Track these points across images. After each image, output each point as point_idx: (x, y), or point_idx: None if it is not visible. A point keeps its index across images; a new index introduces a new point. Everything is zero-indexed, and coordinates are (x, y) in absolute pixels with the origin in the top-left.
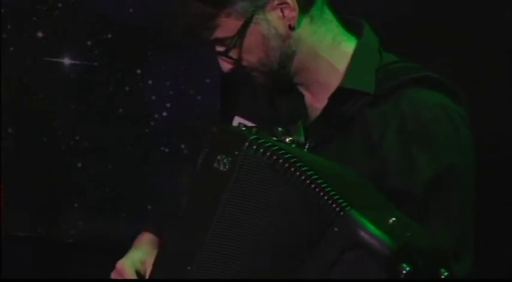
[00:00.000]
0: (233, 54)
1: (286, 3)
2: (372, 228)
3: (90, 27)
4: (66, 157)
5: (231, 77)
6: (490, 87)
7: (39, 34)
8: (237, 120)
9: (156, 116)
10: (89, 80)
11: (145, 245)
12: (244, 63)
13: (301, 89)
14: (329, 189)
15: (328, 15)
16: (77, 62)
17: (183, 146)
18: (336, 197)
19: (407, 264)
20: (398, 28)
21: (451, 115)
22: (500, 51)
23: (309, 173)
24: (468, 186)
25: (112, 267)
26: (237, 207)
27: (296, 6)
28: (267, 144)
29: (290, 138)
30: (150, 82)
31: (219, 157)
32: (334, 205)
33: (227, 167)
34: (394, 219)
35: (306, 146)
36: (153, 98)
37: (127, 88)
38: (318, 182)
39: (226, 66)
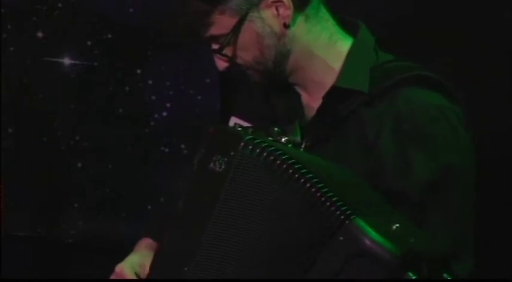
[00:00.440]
0: (228, 52)
1: (281, 1)
2: (376, 236)
3: (90, 27)
4: (66, 157)
5: (229, 76)
6: (490, 87)
7: (39, 34)
8: (233, 120)
9: (156, 116)
10: (89, 80)
11: (144, 249)
12: (239, 61)
13: (298, 88)
14: (330, 194)
15: (325, 14)
16: (77, 62)
17: (183, 146)
18: (339, 204)
19: (412, 272)
20: (398, 28)
21: (448, 115)
22: (501, 51)
23: (307, 176)
24: (466, 186)
25: (112, 267)
26: (234, 207)
27: (291, 4)
28: (263, 145)
29: (286, 138)
30: (150, 82)
31: (215, 157)
32: (338, 212)
33: (223, 167)
34: (397, 225)
35: (302, 146)
36: (153, 98)
37: (127, 88)
38: (318, 185)
39: (221, 64)
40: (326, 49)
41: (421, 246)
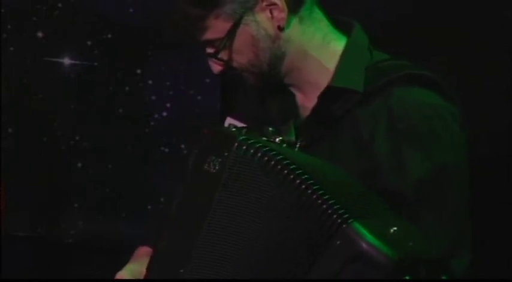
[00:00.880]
0: (223, 55)
1: (275, 4)
2: (374, 240)
3: (90, 27)
4: (66, 157)
5: (225, 78)
6: (487, 86)
7: (39, 34)
8: (228, 121)
9: (156, 116)
10: (89, 80)
11: (143, 257)
12: (234, 64)
13: (292, 89)
14: (327, 196)
15: (318, 14)
16: (77, 62)
17: (183, 146)
18: (335, 207)
19: (410, 276)
20: (395, 27)
21: (441, 113)
22: (497, 50)
23: (302, 177)
24: (461, 184)
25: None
26: (228, 208)
27: (285, 7)
28: (257, 145)
29: (280, 138)
30: (150, 82)
31: (209, 158)
32: (334, 216)
33: (217, 168)
34: (395, 228)
35: (297, 146)
36: (153, 98)
37: (127, 88)
38: (314, 187)
39: (216, 68)
40: (320, 49)
41: (419, 249)
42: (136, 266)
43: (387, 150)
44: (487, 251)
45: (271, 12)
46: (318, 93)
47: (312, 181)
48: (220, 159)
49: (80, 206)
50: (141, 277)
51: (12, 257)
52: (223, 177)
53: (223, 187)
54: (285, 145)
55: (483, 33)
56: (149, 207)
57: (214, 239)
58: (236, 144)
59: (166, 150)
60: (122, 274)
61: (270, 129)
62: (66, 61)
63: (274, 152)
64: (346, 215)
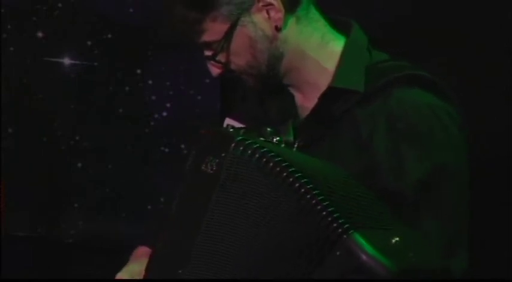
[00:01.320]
0: (221, 58)
1: (272, 4)
2: (374, 252)
3: (90, 27)
4: (66, 157)
5: (226, 78)
6: (486, 87)
7: (39, 34)
8: (227, 122)
9: (156, 116)
10: (89, 80)
11: (142, 257)
12: (232, 66)
13: (291, 90)
14: (327, 203)
15: (315, 14)
16: (77, 62)
17: (183, 146)
18: (335, 215)
19: None
20: (395, 28)
21: (439, 114)
22: (497, 51)
23: (302, 180)
24: (459, 185)
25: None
26: (227, 208)
27: (281, 7)
28: (254, 145)
29: (278, 138)
30: (150, 82)
31: (207, 159)
32: (334, 225)
33: (214, 168)
34: (397, 239)
35: (295, 146)
36: (153, 98)
37: (127, 88)
38: (313, 191)
39: (215, 70)
40: (318, 50)
41: (420, 260)
42: (136, 266)
43: (386, 150)
44: (486, 251)
45: (267, 13)
46: (316, 93)
47: (311, 185)
48: (217, 160)
49: (80, 206)
50: (141, 277)
51: (12, 257)
52: (221, 177)
53: (221, 188)
54: (283, 145)
55: (483, 34)
56: (149, 207)
57: (212, 239)
58: (233, 144)
59: (166, 150)
60: (121, 275)
61: (269, 129)
62: (66, 61)
63: (272, 153)
64: (347, 225)
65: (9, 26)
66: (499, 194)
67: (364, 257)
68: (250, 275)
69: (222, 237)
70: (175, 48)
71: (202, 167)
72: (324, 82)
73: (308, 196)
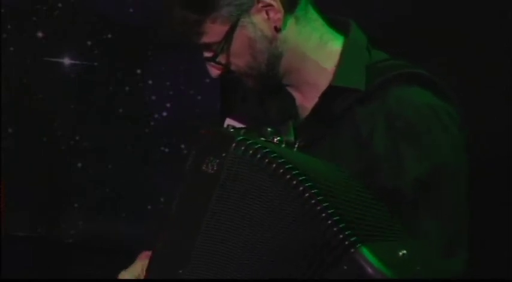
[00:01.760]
0: (221, 59)
1: (271, 5)
2: (382, 267)
3: (90, 27)
4: (66, 157)
5: (226, 78)
6: (487, 87)
7: (39, 34)
8: (227, 122)
9: (156, 116)
10: (89, 80)
11: (147, 258)
12: (232, 67)
13: (291, 90)
14: (332, 211)
15: (313, 14)
16: (77, 62)
17: (183, 146)
18: (341, 225)
19: None
20: (395, 28)
21: (439, 114)
22: (497, 51)
23: (306, 184)
24: (459, 185)
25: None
26: (227, 208)
27: (281, 7)
28: (254, 145)
29: (278, 138)
30: (150, 82)
31: (207, 159)
32: (341, 236)
33: (215, 168)
34: (404, 252)
35: (296, 146)
36: (153, 98)
37: (127, 88)
38: (318, 198)
39: (214, 71)
40: (317, 49)
41: (429, 273)
42: (139, 266)
43: (385, 149)
44: (486, 251)
45: (267, 14)
46: (316, 93)
47: (315, 190)
48: (218, 160)
49: (80, 206)
50: (142, 277)
51: (12, 257)
52: (221, 177)
53: (222, 187)
54: (284, 145)
55: (483, 34)
56: (149, 207)
57: (212, 239)
58: (234, 144)
59: (166, 150)
60: (124, 275)
61: (269, 129)
62: (66, 61)
63: (274, 154)
64: (354, 238)
65: (9, 26)
66: (499, 194)
67: (371, 271)
68: (250, 274)
69: (222, 237)
70: (175, 48)
71: (203, 167)
72: (323, 82)
73: (312, 201)
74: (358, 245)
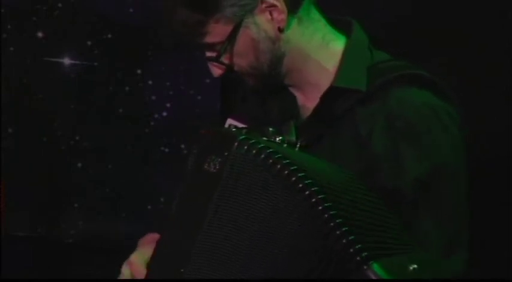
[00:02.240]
0: (224, 59)
1: (275, 5)
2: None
3: (90, 27)
4: (66, 157)
5: (227, 78)
6: (487, 87)
7: (39, 34)
8: (228, 122)
9: (156, 116)
10: (89, 80)
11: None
12: (235, 67)
13: (293, 90)
14: (340, 220)
15: (315, 14)
16: (77, 62)
17: (183, 146)
18: (351, 238)
19: None
20: (396, 28)
21: (440, 114)
22: (497, 52)
23: (313, 189)
24: (459, 185)
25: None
26: (229, 208)
27: (284, 8)
28: (257, 144)
29: (280, 138)
30: (150, 82)
31: (209, 158)
32: (351, 250)
33: (217, 167)
34: (414, 266)
35: (297, 145)
36: (153, 98)
37: (127, 88)
38: (325, 204)
39: (216, 71)
40: (320, 50)
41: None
42: (148, 250)
43: (385, 149)
44: (487, 251)
45: (270, 14)
46: (318, 93)
47: (322, 195)
48: (220, 159)
49: (80, 206)
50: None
51: (12, 257)
52: (223, 176)
53: (224, 186)
54: (285, 145)
55: (483, 34)
56: (149, 207)
57: (214, 238)
58: (236, 143)
59: (166, 150)
60: (135, 257)
61: (270, 129)
62: (66, 61)
63: (279, 155)
64: (365, 254)
65: (9, 26)
66: (499, 194)
67: None
68: (252, 274)
69: (224, 235)
70: (175, 48)
71: (205, 166)
72: (325, 82)
73: (320, 208)
74: (371, 262)
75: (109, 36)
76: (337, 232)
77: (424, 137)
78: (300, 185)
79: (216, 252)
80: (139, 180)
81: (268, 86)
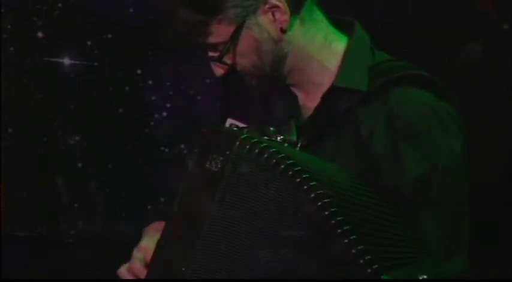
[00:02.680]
0: (226, 59)
1: (277, 6)
2: None
3: (90, 27)
4: (66, 157)
5: (228, 78)
6: (487, 87)
7: (39, 34)
8: (229, 122)
9: (156, 116)
10: (89, 80)
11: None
12: (237, 67)
13: (294, 89)
14: (347, 227)
15: (318, 15)
16: (77, 62)
17: (183, 146)
18: (360, 247)
19: None
20: (396, 28)
21: (439, 114)
22: (497, 52)
23: (318, 192)
24: (459, 185)
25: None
26: (230, 206)
27: (287, 9)
28: (259, 144)
29: (281, 137)
30: (150, 82)
31: (210, 157)
32: (361, 261)
33: (219, 166)
34: (424, 276)
35: (298, 145)
36: (153, 98)
37: (127, 88)
38: (332, 210)
39: (218, 71)
40: (322, 50)
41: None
42: (157, 235)
43: (385, 149)
44: (486, 251)
45: (273, 15)
46: (319, 93)
47: (328, 200)
48: (222, 158)
49: (80, 206)
50: None
51: (12, 257)
52: (225, 174)
53: (226, 185)
54: (286, 145)
55: (483, 34)
56: (149, 207)
57: (216, 236)
58: (238, 142)
59: (166, 150)
60: (146, 242)
61: (271, 129)
62: (66, 61)
63: (282, 155)
64: (376, 266)
65: (9, 26)
66: (499, 194)
67: None
68: (253, 274)
69: (226, 234)
70: (176, 48)
71: (206, 165)
72: (327, 82)
73: (326, 213)
74: (382, 276)
75: (109, 36)
76: (345, 240)
77: (424, 137)
78: (305, 187)
79: (217, 252)
80: (139, 180)
81: (270, 85)
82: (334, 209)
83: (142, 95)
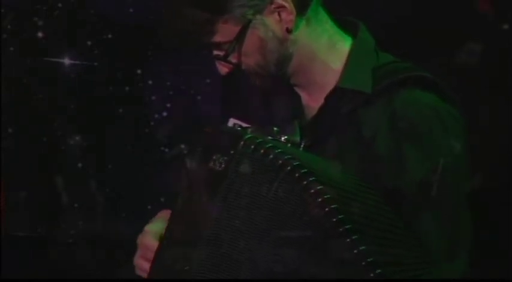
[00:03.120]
0: (232, 58)
1: (284, 6)
2: None
3: (90, 27)
4: (66, 157)
5: (229, 77)
6: (487, 87)
7: (39, 34)
8: (232, 122)
9: (156, 116)
10: (89, 80)
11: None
12: (242, 66)
13: (298, 90)
14: (355, 236)
15: (323, 15)
16: (77, 62)
17: (183, 146)
18: (370, 260)
19: None
20: (396, 28)
21: (441, 115)
22: (497, 52)
23: (325, 196)
24: (459, 185)
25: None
26: (234, 206)
27: (293, 9)
28: (264, 144)
29: (285, 137)
30: (150, 82)
31: (214, 156)
32: (372, 275)
33: (223, 166)
34: None
35: (302, 145)
36: (153, 98)
37: (127, 88)
38: (339, 217)
39: (223, 69)
40: (326, 50)
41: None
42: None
43: (388, 150)
44: (486, 251)
45: (279, 15)
46: (324, 93)
47: (335, 205)
48: (226, 158)
49: (80, 206)
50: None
51: (12, 257)
52: (229, 174)
53: (229, 185)
54: (289, 145)
55: (483, 34)
56: (149, 207)
57: (219, 236)
58: (242, 142)
59: (166, 150)
60: (149, 227)
61: (275, 129)
62: (66, 61)
63: (288, 156)
64: (379, 271)
65: (9, 26)
66: (499, 194)
67: None
68: (255, 274)
69: (229, 234)
70: (180, 48)
71: (210, 164)
72: (331, 82)
73: (334, 219)
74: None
75: (109, 36)
76: (355, 251)
77: (427, 138)
78: (312, 191)
79: (220, 252)
80: (139, 180)
81: (274, 85)
82: (342, 215)
83: (142, 95)
